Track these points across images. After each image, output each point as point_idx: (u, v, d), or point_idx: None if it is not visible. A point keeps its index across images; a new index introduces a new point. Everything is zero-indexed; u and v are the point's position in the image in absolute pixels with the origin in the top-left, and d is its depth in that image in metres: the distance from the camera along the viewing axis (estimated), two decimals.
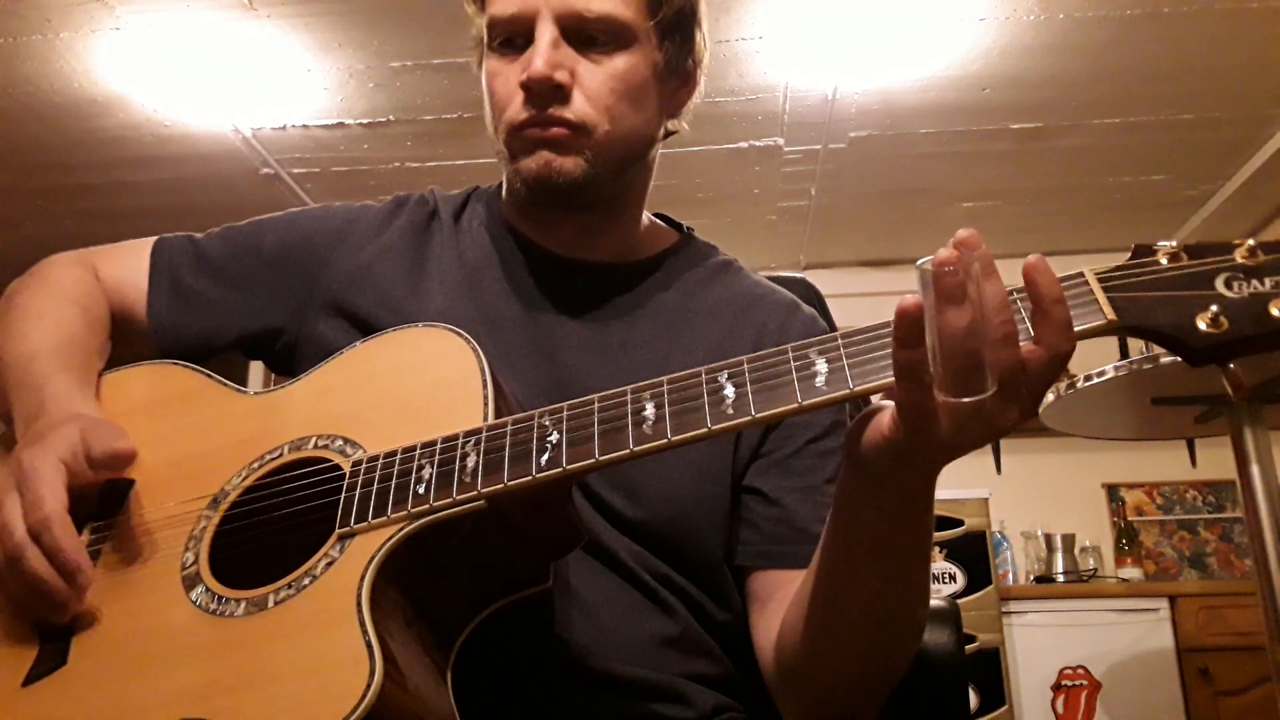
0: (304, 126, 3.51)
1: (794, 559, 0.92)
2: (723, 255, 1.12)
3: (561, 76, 0.93)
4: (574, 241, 1.04)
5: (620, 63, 0.95)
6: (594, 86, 0.94)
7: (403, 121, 3.49)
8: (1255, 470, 2.13)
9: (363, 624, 0.69)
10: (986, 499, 3.80)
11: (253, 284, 1.06)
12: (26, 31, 2.96)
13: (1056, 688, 3.66)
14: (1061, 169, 3.86)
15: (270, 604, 0.75)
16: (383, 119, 3.48)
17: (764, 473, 0.97)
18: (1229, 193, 3.98)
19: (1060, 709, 3.63)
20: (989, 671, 3.54)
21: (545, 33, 0.93)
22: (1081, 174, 3.91)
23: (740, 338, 1.01)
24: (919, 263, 0.62)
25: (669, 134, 1.06)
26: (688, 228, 1.13)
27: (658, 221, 1.12)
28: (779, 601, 0.91)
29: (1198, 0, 2.91)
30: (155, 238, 1.10)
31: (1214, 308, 0.65)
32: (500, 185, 1.11)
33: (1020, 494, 4.25)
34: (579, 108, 0.94)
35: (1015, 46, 3.12)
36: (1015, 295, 0.66)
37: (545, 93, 0.93)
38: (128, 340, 1.06)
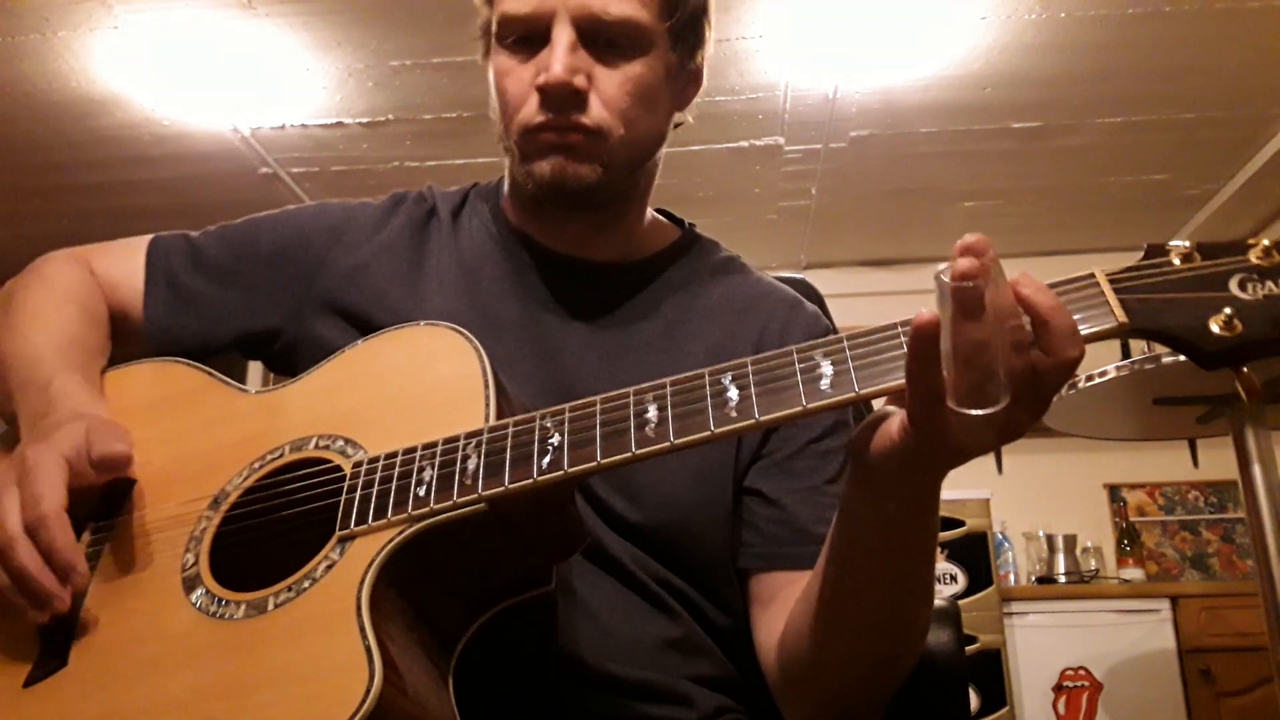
0: (303, 126, 3.50)
1: (795, 560, 0.92)
2: (725, 252, 1.11)
3: (579, 81, 0.91)
4: (578, 240, 1.03)
5: (637, 67, 0.94)
6: (610, 92, 0.93)
7: (402, 121, 3.49)
8: (1257, 470, 2.13)
9: (362, 628, 0.68)
10: (988, 499, 3.80)
11: (249, 284, 1.05)
12: (24, 30, 2.96)
13: (1058, 689, 3.65)
14: (1062, 168, 3.86)
15: (270, 607, 0.75)
16: (382, 118, 3.48)
17: (765, 474, 0.97)
18: (1231, 192, 3.98)
19: (1061, 710, 3.63)
20: (990, 672, 3.54)
21: (563, 36, 0.91)
22: (1083, 173, 3.90)
23: (742, 338, 1.00)
24: (938, 272, 0.60)
25: (675, 126, 1.05)
26: (689, 224, 1.12)
27: (660, 218, 1.11)
28: (781, 603, 0.90)
29: (1198, 0, 2.90)
30: (150, 236, 1.09)
31: (1227, 310, 0.63)
32: (500, 181, 1.10)
33: (1021, 494, 4.24)
34: (596, 113, 0.92)
35: (1016, 45, 3.12)
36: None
37: (563, 98, 0.91)
38: (123, 340, 1.05)
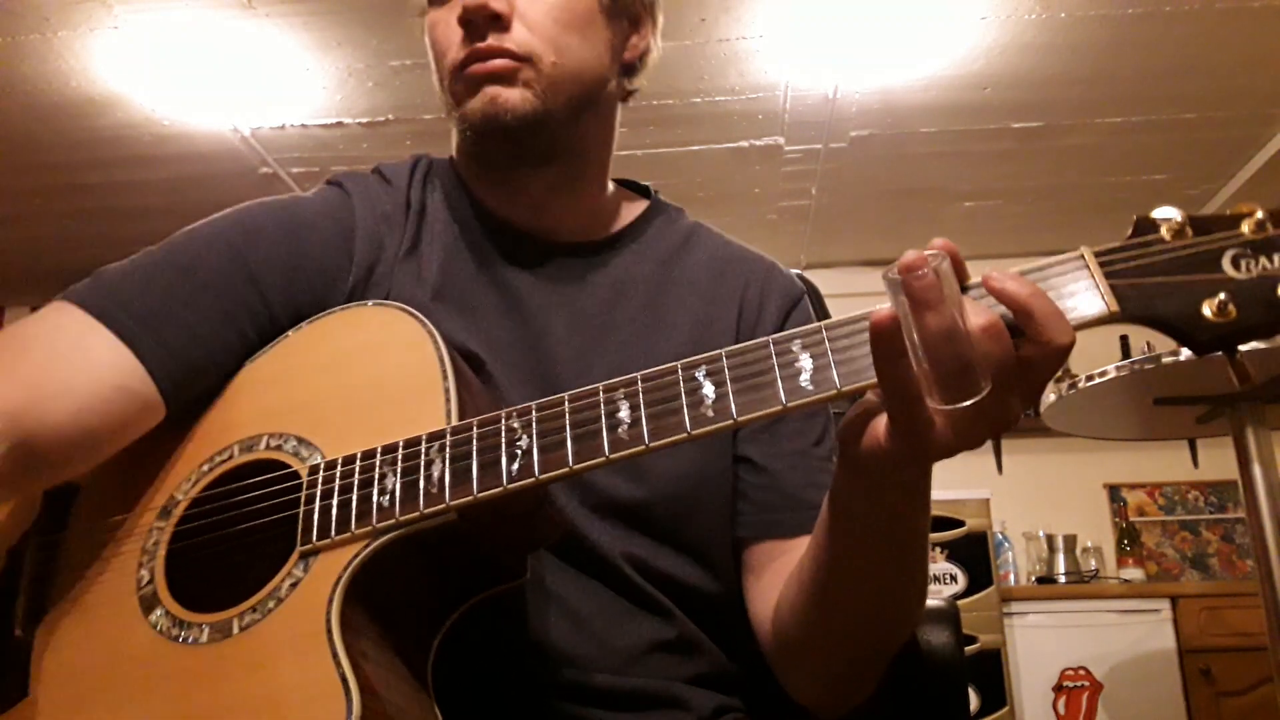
0: (303, 126, 3.50)
1: (785, 528, 0.90)
2: (690, 218, 1.08)
3: (498, 5, 0.88)
4: (538, 207, 0.98)
5: None
6: (535, 16, 0.90)
7: (402, 120, 3.48)
8: (1257, 470, 2.13)
9: (335, 652, 0.66)
10: (988, 500, 3.79)
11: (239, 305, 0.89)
12: (25, 30, 2.96)
13: (1058, 689, 3.64)
14: (1063, 168, 3.85)
15: (235, 629, 0.71)
16: (382, 118, 3.47)
17: (753, 438, 0.95)
18: (1230, 192, 3.97)
19: (1061, 710, 3.62)
20: (990, 672, 3.53)
21: None
22: (1083, 173, 3.90)
23: (722, 303, 0.98)
24: (885, 272, 0.58)
25: (628, 93, 1.01)
26: (654, 190, 1.09)
27: (623, 189, 1.08)
28: (773, 574, 0.89)
29: (1198, 0, 2.90)
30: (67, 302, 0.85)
31: (1221, 295, 0.61)
32: (451, 159, 1.05)
33: (1021, 495, 4.23)
34: (520, 37, 0.89)
35: (1016, 45, 3.11)
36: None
37: (483, 22, 0.88)
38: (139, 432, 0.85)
